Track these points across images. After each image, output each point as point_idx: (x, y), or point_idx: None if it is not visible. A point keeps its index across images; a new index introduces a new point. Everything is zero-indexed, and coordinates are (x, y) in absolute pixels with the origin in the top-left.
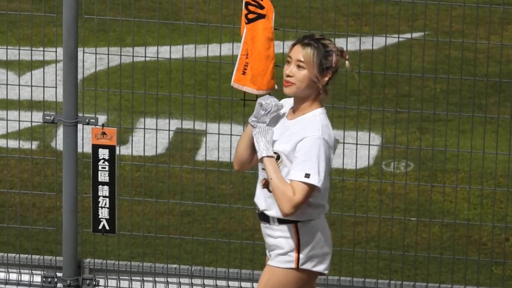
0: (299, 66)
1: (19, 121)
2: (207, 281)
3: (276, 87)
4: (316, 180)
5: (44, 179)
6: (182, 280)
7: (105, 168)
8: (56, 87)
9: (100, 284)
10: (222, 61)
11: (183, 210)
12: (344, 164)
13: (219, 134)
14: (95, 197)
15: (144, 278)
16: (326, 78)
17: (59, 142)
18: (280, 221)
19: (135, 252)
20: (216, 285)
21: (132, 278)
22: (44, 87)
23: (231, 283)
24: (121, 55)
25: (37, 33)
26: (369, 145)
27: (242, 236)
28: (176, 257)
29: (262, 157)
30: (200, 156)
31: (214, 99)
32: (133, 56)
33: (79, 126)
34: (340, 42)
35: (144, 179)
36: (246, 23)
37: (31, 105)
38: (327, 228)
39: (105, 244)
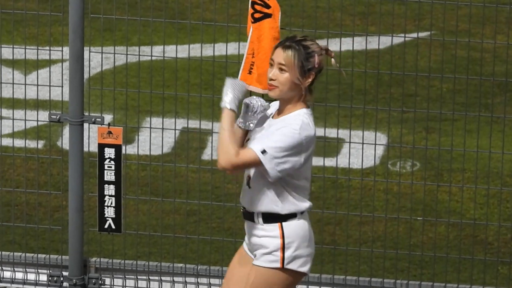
0: (281, 69)
1: (25, 120)
2: (213, 280)
3: None
4: (267, 161)
5: (50, 178)
6: (188, 279)
7: (111, 167)
8: (62, 86)
9: (106, 283)
10: (228, 60)
11: (189, 209)
12: (350, 163)
13: None
14: (101, 196)
15: (150, 278)
16: (309, 80)
17: (65, 141)
18: (265, 221)
19: (141, 251)
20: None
21: (138, 277)
22: (50, 86)
23: None
24: (127, 54)
25: (43, 32)
26: (375, 144)
27: None
28: (182, 256)
29: (224, 108)
30: (206, 155)
31: (220, 98)
32: (139, 55)
33: (85, 125)
34: (346, 42)
35: (150, 178)
36: (252, 22)
37: (37, 104)
38: (311, 228)
39: (111, 243)
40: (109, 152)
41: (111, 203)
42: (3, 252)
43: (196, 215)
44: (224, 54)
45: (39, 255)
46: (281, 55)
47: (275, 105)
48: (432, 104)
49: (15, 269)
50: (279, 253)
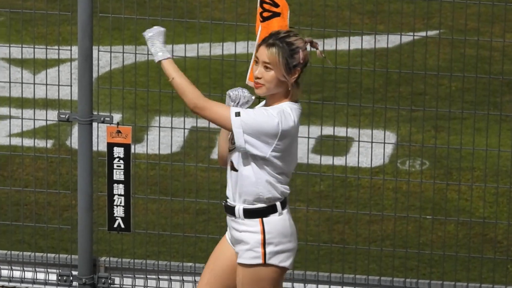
0: (266, 67)
1: (34, 119)
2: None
3: None
4: (237, 124)
5: (59, 178)
6: (198, 278)
7: (120, 166)
8: (71, 86)
9: (115, 282)
10: (237, 59)
11: (198, 208)
12: (359, 162)
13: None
14: (110, 195)
15: (160, 277)
16: (295, 75)
17: (74, 141)
18: (246, 215)
19: (150, 251)
20: None
21: (148, 276)
22: (59, 85)
23: None
24: (136, 53)
25: (52, 31)
26: (384, 143)
27: None
28: (192, 255)
29: (159, 61)
30: (215, 154)
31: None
32: (148, 54)
33: (94, 124)
34: (355, 40)
35: (159, 177)
36: (261, 21)
37: (46, 104)
38: (292, 223)
39: (120, 242)
40: (118, 151)
41: (120, 202)
42: (13, 252)
43: (205, 214)
44: (233, 53)
45: (49, 255)
46: (265, 53)
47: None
48: (441, 103)
49: (25, 268)
50: (260, 249)
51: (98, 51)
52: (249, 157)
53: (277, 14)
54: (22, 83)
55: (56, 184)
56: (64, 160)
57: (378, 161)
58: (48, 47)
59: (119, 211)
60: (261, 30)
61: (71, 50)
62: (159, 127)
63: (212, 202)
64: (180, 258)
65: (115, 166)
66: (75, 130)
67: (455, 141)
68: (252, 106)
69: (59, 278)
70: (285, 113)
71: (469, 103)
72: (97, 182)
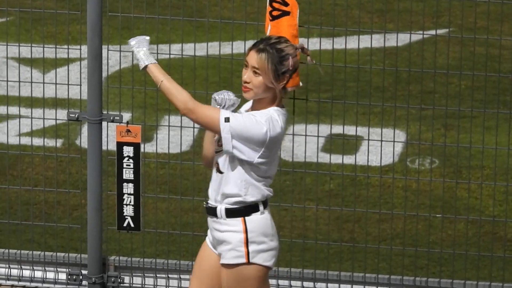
0: (255, 72)
1: (44, 119)
2: None
3: (301, 84)
4: (226, 130)
5: (68, 177)
6: None
7: (129, 165)
8: (80, 85)
9: (125, 281)
10: None
11: None
12: (369, 161)
13: None
14: (120, 194)
15: (169, 276)
16: (284, 82)
17: (83, 140)
18: (228, 215)
19: (160, 250)
20: None
21: (157, 275)
22: (68, 84)
23: None
24: None
25: (61, 31)
26: (394, 141)
27: None
28: None
29: (146, 66)
30: None
31: (239, 96)
32: (157, 53)
33: (104, 123)
34: (364, 39)
35: (168, 176)
36: (270, 20)
37: (55, 103)
38: (273, 223)
39: (130, 241)
40: (128, 151)
41: (130, 202)
42: (22, 251)
43: None
44: (242, 52)
45: (58, 254)
46: (254, 58)
47: (250, 102)
48: (451, 101)
49: (34, 267)
50: (243, 248)
51: (108, 50)
52: (235, 160)
53: (286, 13)
54: (31, 82)
55: (66, 183)
56: (74, 159)
57: (388, 160)
58: (57, 46)
59: (128, 210)
60: (271, 29)
61: (80, 49)
62: (169, 126)
63: None
64: (190, 257)
65: (124, 165)
66: (85, 129)
67: (465, 139)
68: (238, 107)
69: (69, 277)
70: (273, 120)
71: (479, 102)
72: (106, 181)
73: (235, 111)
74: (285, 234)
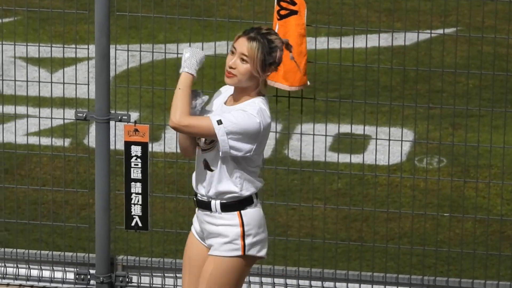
0: (242, 60)
1: (52, 118)
2: None
3: (308, 83)
4: (221, 132)
5: (76, 176)
6: None
7: (137, 165)
8: (88, 84)
9: (133, 281)
10: None
11: None
12: (376, 160)
13: None
14: (128, 194)
15: (177, 275)
16: (268, 73)
17: (91, 139)
18: (223, 209)
19: (168, 249)
20: (249, 281)
21: (165, 274)
22: (76, 84)
23: (264, 279)
24: (153, 52)
25: (69, 30)
26: (402, 141)
27: (275, 232)
28: None
29: (183, 72)
30: None
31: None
32: (165, 52)
33: (112, 123)
34: (372, 38)
35: (176, 175)
36: (278, 19)
37: (63, 102)
38: (263, 213)
39: (138, 241)
40: (136, 150)
41: (138, 201)
42: (30, 251)
43: None
44: None
45: (66, 253)
46: (245, 46)
47: (228, 90)
48: (459, 100)
49: (42, 267)
50: (239, 241)
51: (115, 49)
52: (228, 157)
53: (294, 12)
54: (39, 82)
55: (74, 183)
56: (82, 159)
57: (396, 159)
58: (65, 46)
59: (136, 210)
60: (278, 28)
61: (88, 48)
62: None
63: None
64: None
65: (132, 165)
66: (93, 128)
67: (473, 138)
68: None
69: (77, 276)
70: (262, 110)
71: (487, 101)
72: (114, 181)
73: (207, 103)
74: (293, 233)
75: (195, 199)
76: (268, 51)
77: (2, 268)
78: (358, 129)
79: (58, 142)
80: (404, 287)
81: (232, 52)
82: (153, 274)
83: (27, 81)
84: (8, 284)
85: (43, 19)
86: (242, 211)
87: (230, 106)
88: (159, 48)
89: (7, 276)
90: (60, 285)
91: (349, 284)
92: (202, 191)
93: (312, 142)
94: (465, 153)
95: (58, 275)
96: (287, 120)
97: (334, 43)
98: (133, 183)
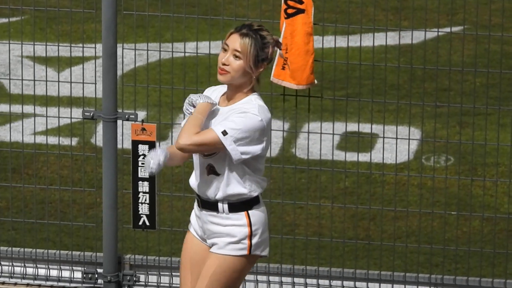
0: (235, 56)
1: (59, 117)
2: (247, 276)
3: (316, 82)
4: (228, 142)
5: (84, 175)
6: None
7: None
8: (95, 83)
9: (140, 280)
10: None
11: None
12: (384, 158)
13: None
14: (135, 193)
15: None
16: (261, 70)
17: (98, 138)
18: (231, 210)
19: (175, 248)
20: (257, 280)
21: (173, 273)
22: (83, 83)
23: (271, 278)
24: (160, 50)
25: (76, 29)
26: (409, 139)
27: (282, 231)
28: None
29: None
30: None
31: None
32: (172, 51)
33: (119, 122)
34: (379, 37)
35: (184, 174)
36: (285, 18)
37: (70, 101)
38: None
39: (146, 240)
40: (143, 149)
41: (145, 200)
42: (38, 250)
43: None
44: None
45: (74, 253)
46: (237, 42)
47: (214, 92)
48: (466, 99)
49: (50, 266)
50: (246, 241)
51: (123, 48)
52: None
53: (301, 11)
54: (46, 81)
55: (81, 182)
56: (89, 158)
57: (403, 157)
58: (72, 45)
59: (144, 209)
60: (285, 26)
61: (95, 47)
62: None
63: None
64: None
65: (139, 164)
66: (100, 127)
67: (480, 136)
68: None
69: (84, 275)
70: (261, 107)
71: (494, 99)
72: (122, 180)
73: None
74: (300, 232)
75: (199, 199)
76: (261, 47)
77: (10, 267)
78: (365, 127)
79: (65, 141)
80: (411, 286)
81: (225, 49)
82: (161, 273)
83: (34, 80)
84: (15, 283)
85: (50, 18)
86: (249, 211)
87: (225, 107)
88: (166, 47)
89: (14, 275)
90: (67, 284)
91: (357, 283)
92: (207, 194)
93: (319, 140)
94: (472, 152)
95: (66, 274)
96: (295, 118)
97: (341, 42)
98: (140, 182)
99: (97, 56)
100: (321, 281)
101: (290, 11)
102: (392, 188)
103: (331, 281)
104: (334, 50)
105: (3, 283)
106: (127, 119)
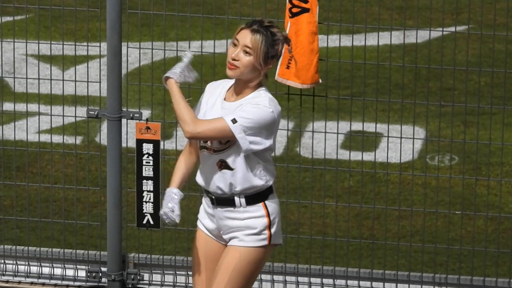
0: (245, 52)
1: (63, 116)
2: None
3: (320, 81)
4: (238, 131)
5: (88, 174)
6: None
7: (149, 162)
8: (100, 82)
9: (144, 278)
10: None
11: None
12: (388, 158)
13: None
14: (140, 191)
15: (189, 273)
16: (270, 66)
17: (103, 137)
18: (248, 203)
19: (179, 247)
20: (261, 279)
21: (177, 272)
22: (88, 82)
23: (275, 277)
24: (165, 49)
25: (80, 28)
26: (414, 138)
27: (287, 230)
28: None
29: (168, 78)
30: None
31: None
32: (177, 50)
33: (123, 120)
34: (384, 36)
35: None
36: (290, 17)
37: (75, 100)
38: None
39: (150, 238)
40: (147, 148)
41: (150, 199)
42: (42, 248)
43: None
44: None
45: (78, 251)
46: (248, 38)
47: (218, 87)
48: (470, 98)
49: (54, 265)
50: (266, 232)
51: (127, 47)
52: (249, 153)
53: (306, 10)
54: (51, 79)
55: (85, 181)
56: (93, 157)
57: (407, 157)
58: (77, 43)
59: (148, 208)
60: (290, 25)
61: (100, 46)
62: None
63: None
64: None
65: (144, 163)
66: (104, 126)
67: (484, 136)
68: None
69: (88, 274)
70: (272, 99)
71: (498, 98)
72: (126, 179)
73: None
74: (304, 231)
75: (213, 197)
76: (271, 44)
77: (14, 266)
78: (369, 126)
79: (69, 139)
80: (415, 285)
81: (235, 45)
82: (165, 272)
83: (38, 78)
84: (19, 282)
85: (54, 16)
86: (266, 202)
87: (232, 102)
88: (170, 46)
89: (18, 273)
90: (71, 282)
91: (361, 282)
92: (222, 190)
93: (323, 139)
94: (476, 151)
95: (70, 273)
96: (299, 117)
97: (346, 41)
98: (144, 181)
99: (101, 55)
100: (325, 280)
101: (295, 10)
102: (396, 187)
103: (335, 280)
104: (339, 49)
105: (7, 281)
106: (132, 118)
